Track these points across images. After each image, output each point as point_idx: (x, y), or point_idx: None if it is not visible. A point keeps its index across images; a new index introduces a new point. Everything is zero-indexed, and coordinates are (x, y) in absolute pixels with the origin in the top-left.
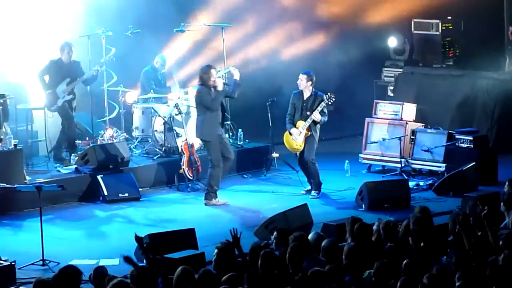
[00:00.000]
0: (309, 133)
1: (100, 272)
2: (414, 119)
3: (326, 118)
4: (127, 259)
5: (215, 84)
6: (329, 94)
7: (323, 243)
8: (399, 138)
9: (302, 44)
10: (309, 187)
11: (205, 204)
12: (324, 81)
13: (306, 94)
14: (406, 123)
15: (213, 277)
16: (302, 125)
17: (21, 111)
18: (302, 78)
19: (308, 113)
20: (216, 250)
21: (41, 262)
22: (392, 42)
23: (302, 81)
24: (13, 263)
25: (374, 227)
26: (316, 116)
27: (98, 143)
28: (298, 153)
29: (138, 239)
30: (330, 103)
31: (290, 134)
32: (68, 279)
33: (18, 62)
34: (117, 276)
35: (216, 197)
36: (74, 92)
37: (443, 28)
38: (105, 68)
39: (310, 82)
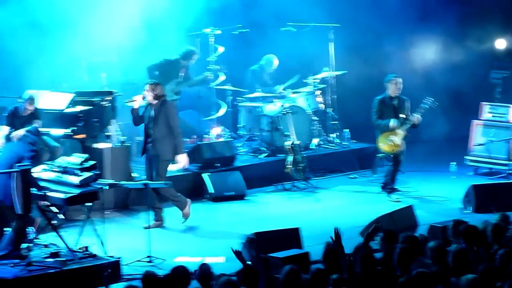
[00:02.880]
0: (407, 134)
1: (205, 269)
2: None
3: None
4: (237, 254)
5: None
6: (431, 99)
7: (430, 245)
8: (507, 141)
9: (409, 45)
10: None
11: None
12: (428, 82)
13: (395, 95)
14: None
15: (324, 276)
16: (399, 127)
17: (128, 108)
18: (401, 82)
19: (401, 115)
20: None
21: (147, 259)
22: (501, 44)
23: (400, 84)
24: (119, 259)
25: (481, 229)
26: (419, 119)
27: (204, 141)
28: (392, 154)
29: (237, 253)
30: (434, 106)
31: (390, 132)
32: (178, 280)
33: (129, 59)
34: (224, 274)
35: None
36: (180, 93)
37: None
38: (212, 75)
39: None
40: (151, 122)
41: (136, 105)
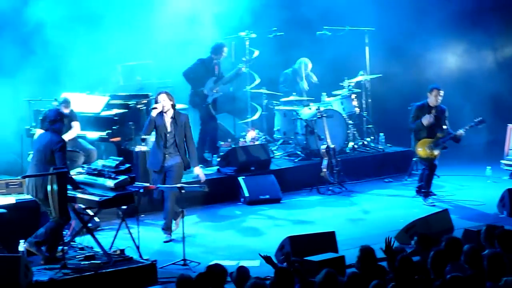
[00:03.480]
0: (445, 145)
1: (242, 272)
2: None
3: None
4: (267, 259)
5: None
6: (480, 119)
7: (464, 249)
8: None
9: (446, 49)
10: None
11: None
12: (464, 86)
13: (435, 105)
14: None
15: (361, 280)
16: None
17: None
18: (442, 94)
19: (444, 126)
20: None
21: (182, 262)
22: None
23: (440, 97)
24: (154, 262)
25: None
26: (461, 134)
27: (240, 144)
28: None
29: (267, 259)
30: (480, 126)
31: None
32: (214, 277)
33: (165, 62)
34: (259, 277)
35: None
36: (219, 91)
37: None
38: (247, 67)
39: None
40: (168, 131)
41: (155, 113)
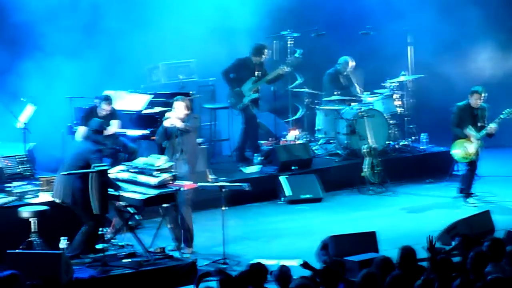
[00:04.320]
0: (482, 142)
1: (284, 271)
2: None
3: None
4: (305, 265)
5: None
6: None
7: (507, 250)
8: None
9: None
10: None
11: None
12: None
13: (476, 107)
14: None
15: (402, 280)
16: (476, 136)
17: (206, 110)
18: (483, 96)
19: (479, 124)
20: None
21: (222, 261)
22: None
23: (482, 99)
24: (195, 261)
25: None
26: (495, 129)
27: (281, 143)
28: (466, 161)
29: (305, 265)
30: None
31: (465, 140)
32: (254, 276)
33: (207, 61)
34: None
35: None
36: (259, 91)
37: None
38: (289, 69)
39: None
40: (180, 137)
41: (168, 123)
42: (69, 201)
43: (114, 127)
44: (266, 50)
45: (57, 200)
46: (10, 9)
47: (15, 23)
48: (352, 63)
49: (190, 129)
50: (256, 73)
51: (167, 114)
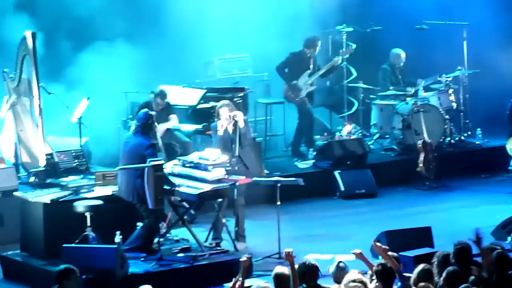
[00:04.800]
0: None
1: (341, 268)
2: None
3: None
4: (359, 255)
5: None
6: None
7: None
8: None
9: None
10: None
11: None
12: None
13: None
14: None
15: (460, 277)
16: None
17: (260, 105)
18: None
19: None
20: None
21: (277, 256)
22: None
23: None
24: (250, 256)
25: None
26: None
27: (336, 138)
28: None
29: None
30: None
31: None
32: (308, 271)
33: (261, 56)
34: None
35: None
36: (314, 85)
37: None
38: (343, 61)
39: None
40: (235, 140)
41: (221, 132)
42: (134, 199)
43: (173, 121)
44: (319, 42)
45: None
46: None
47: (77, 16)
48: (402, 55)
49: (247, 134)
50: (311, 66)
51: (219, 123)
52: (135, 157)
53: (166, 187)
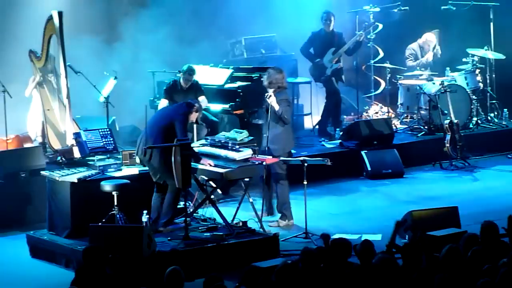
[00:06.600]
0: None
1: (367, 245)
2: None
3: None
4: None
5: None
6: None
7: None
8: None
9: None
10: None
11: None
12: None
13: None
14: None
15: (482, 255)
16: None
17: (288, 84)
18: None
19: None
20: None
21: (303, 235)
22: None
23: None
24: (277, 235)
25: None
26: None
27: (363, 118)
28: None
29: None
30: None
31: None
32: (338, 251)
33: (288, 35)
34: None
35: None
36: (340, 61)
37: None
38: (366, 35)
39: None
40: (271, 116)
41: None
42: (157, 165)
43: (203, 103)
44: (332, 17)
45: (138, 158)
46: None
47: None
48: (435, 39)
49: (281, 116)
50: (334, 43)
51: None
52: (166, 124)
53: (194, 164)
